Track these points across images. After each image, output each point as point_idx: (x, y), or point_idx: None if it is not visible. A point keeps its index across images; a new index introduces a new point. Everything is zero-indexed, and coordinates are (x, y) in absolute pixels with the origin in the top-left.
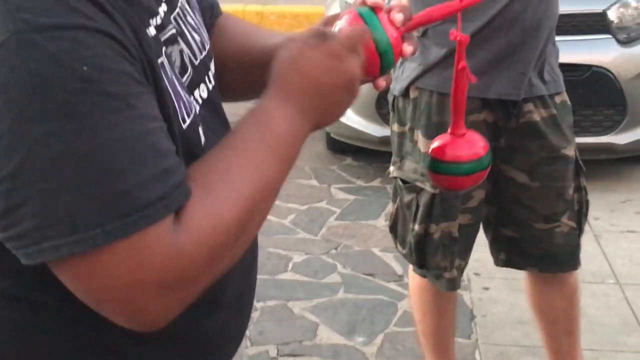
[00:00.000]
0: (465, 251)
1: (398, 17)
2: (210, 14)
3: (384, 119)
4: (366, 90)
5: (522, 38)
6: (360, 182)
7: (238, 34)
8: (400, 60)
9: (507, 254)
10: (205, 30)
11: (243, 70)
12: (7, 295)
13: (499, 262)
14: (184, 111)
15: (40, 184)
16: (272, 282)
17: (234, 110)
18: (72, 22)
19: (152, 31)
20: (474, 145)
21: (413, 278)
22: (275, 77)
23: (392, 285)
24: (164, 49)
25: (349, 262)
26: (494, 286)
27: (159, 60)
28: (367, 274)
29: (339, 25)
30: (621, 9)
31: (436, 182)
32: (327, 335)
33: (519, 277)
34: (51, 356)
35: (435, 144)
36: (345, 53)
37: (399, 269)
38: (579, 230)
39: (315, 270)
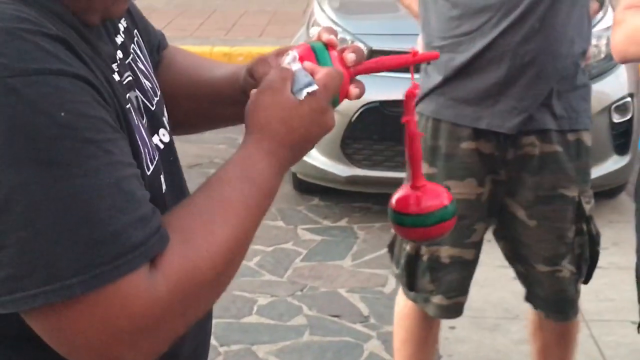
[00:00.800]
0: (464, 285)
1: (350, 57)
2: (157, 47)
3: (349, 158)
4: (332, 131)
5: (514, 73)
6: (327, 222)
7: (185, 66)
8: None
9: (525, 288)
10: (154, 76)
11: (190, 102)
12: None
13: (525, 296)
14: (148, 158)
15: (17, 232)
16: (237, 325)
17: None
18: (50, 67)
19: (116, 77)
20: (437, 196)
21: (398, 305)
22: (258, 125)
23: (359, 327)
24: (127, 94)
25: (315, 303)
26: (460, 325)
27: (127, 106)
28: (334, 316)
29: (290, 57)
30: None
31: (402, 234)
32: None
33: (487, 316)
34: None
35: (396, 196)
36: (327, 106)
37: (365, 310)
38: (579, 275)
39: (280, 313)
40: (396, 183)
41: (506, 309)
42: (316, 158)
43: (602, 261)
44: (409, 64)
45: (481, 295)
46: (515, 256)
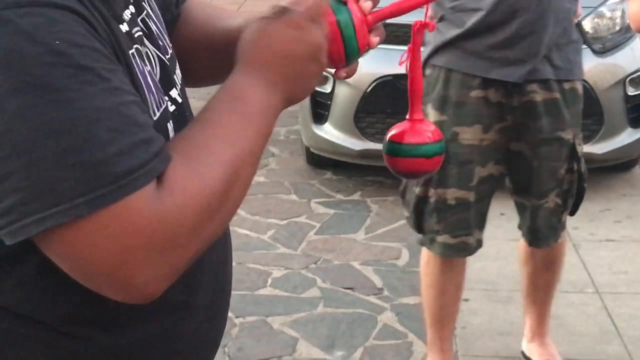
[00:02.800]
0: (469, 224)
1: (367, 5)
2: (177, 1)
3: (362, 132)
4: (344, 105)
5: (522, 29)
6: (340, 196)
7: (201, 19)
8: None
9: (519, 219)
10: (167, 36)
11: (208, 54)
12: None
13: (518, 225)
14: (154, 104)
15: (19, 158)
16: (251, 297)
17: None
18: None
19: (124, 27)
20: (432, 130)
21: (422, 254)
22: (241, 53)
23: (372, 299)
24: (135, 45)
25: (328, 276)
26: (473, 297)
27: (130, 52)
28: (347, 288)
29: None
30: (596, 19)
31: (394, 166)
32: (306, 350)
33: (499, 289)
34: None
35: (394, 130)
36: (306, 23)
37: (378, 282)
38: (564, 207)
39: (294, 285)
40: None
41: (519, 281)
42: (329, 132)
43: (615, 234)
44: (424, 3)
45: (494, 268)
46: (515, 187)
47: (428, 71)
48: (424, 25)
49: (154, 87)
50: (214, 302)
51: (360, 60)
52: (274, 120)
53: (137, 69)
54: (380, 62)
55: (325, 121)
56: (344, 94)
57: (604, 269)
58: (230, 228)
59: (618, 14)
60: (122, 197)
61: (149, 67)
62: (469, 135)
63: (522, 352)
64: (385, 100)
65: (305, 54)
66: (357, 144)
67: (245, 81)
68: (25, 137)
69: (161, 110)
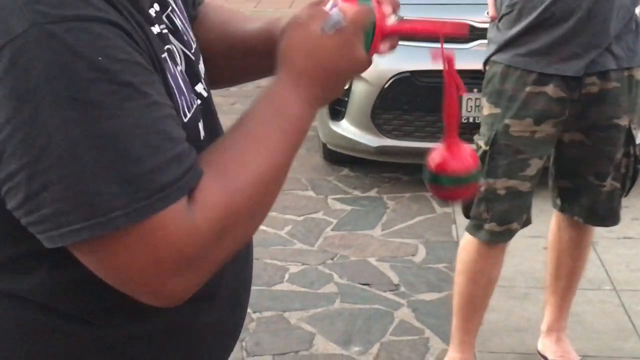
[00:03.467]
0: (518, 214)
1: (387, 9)
2: (194, 3)
3: (379, 129)
4: (362, 102)
5: (581, 25)
6: (356, 193)
7: (218, 21)
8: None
9: (562, 201)
10: (190, 31)
11: (224, 58)
12: (14, 296)
13: (555, 206)
14: (185, 105)
15: (60, 169)
16: (268, 293)
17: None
18: (87, 13)
19: (156, 29)
20: (471, 156)
21: (462, 240)
22: (289, 63)
23: (389, 295)
24: (166, 46)
25: (345, 272)
26: None
27: (162, 55)
28: (364, 284)
29: (330, 2)
30: None
31: (438, 194)
32: (323, 346)
33: (516, 285)
34: (53, 355)
35: (436, 158)
36: (356, 41)
37: (395, 279)
38: (622, 190)
39: (311, 281)
40: (426, 153)
41: (536, 278)
42: (346, 128)
43: (633, 231)
44: (442, 32)
45: (511, 264)
46: (564, 171)
47: (488, 67)
48: (451, 58)
49: (185, 87)
50: (236, 294)
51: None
52: (306, 131)
53: (169, 73)
54: (398, 59)
55: (343, 118)
56: (361, 91)
57: (621, 267)
58: None
59: None
60: (157, 212)
61: (180, 67)
62: (519, 127)
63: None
64: (403, 97)
65: (350, 70)
66: (374, 141)
67: (289, 94)
68: (65, 150)
69: (192, 110)
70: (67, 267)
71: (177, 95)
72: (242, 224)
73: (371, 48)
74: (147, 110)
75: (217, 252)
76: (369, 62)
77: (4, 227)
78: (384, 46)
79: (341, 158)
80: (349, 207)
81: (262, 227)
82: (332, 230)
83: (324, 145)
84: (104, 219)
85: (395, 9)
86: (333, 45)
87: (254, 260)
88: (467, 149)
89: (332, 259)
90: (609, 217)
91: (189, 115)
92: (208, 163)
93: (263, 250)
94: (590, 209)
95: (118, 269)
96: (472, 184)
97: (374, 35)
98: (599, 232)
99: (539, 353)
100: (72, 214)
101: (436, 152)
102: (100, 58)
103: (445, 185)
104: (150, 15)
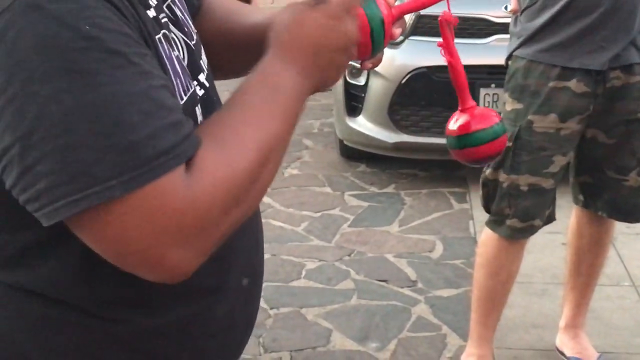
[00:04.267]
0: (540, 211)
1: None
2: None
3: (396, 125)
4: (379, 97)
5: (604, 18)
6: (373, 189)
7: (223, 13)
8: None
9: (584, 197)
10: (191, 22)
11: (227, 49)
12: (24, 290)
13: (578, 202)
14: (181, 88)
15: (53, 141)
16: (286, 289)
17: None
18: None
19: (151, 13)
20: (490, 113)
21: (483, 234)
22: (275, 37)
23: (406, 291)
24: (162, 30)
25: (362, 268)
26: None
27: (157, 36)
28: (381, 280)
29: None
30: None
31: (468, 156)
32: (340, 342)
33: (534, 281)
34: (65, 349)
35: (456, 123)
36: (342, 14)
37: (412, 275)
38: None
39: (328, 277)
40: (443, 149)
41: (554, 274)
42: (363, 124)
43: None
44: None
45: (529, 260)
46: (585, 167)
47: (510, 62)
48: (448, 19)
49: (181, 71)
50: (247, 285)
51: (395, 52)
52: (303, 106)
53: (164, 54)
54: (414, 54)
55: (359, 114)
56: (378, 87)
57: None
58: (265, 220)
59: None
60: (154, 179)
61: (176, 52)
62: (543, 123)
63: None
64: (420, 93)
65: (339, 45)
66: (391, 137)
67: (278, 66)
68: (58, 121)
69: (189, 94)
70: (76, 261)
71: (173, 77)
72: (242, 191)
73: (385, 36)
74: (139, 78)
75: (218, 222)
76: (358, 42)
77: (7, 217)
78: (397, 31)
79: (358, 154)
80: (365, 204)
81: (279, 224)
82: (349, 226)
83: (341, 141)
84: (101, 188)
85: None
86: (317, 17)
87: (271, 256)
88: (483, 109)
89: (349, 255)
90: (633, 213)
91: (185, 98)
92: (204, 134)
93: (280, 247)
94: (613, 203)
95: (116, 241)
96: (497, 140)
97: (384, 25)
98: (618, 228)
99: (557, 349)
100: (67, 185)
101: (455, 118)
102: (87, 27)
103: (471, 147)
104: (146, 0)
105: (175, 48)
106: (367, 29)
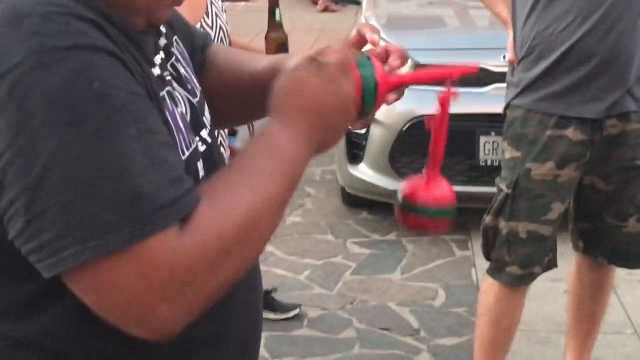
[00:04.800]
0: (540, 258)
1: (395, 63)
2: (202, 47)
3: (397, 172)
4: (380, 145)
5: (600, 68)
6: (375, 236)
7: (227, 62)
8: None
9: (584, 243)
10: (195, 79)
11: (234, 96)
12: (17, 340)
13: (577, 249)
14: (183, 144)
15: (58, 193)
16: (287, 338)
17: None
18: (82, 43)
19: (156, 71)
20: (446, 192)
21: (484, 282)
22: (276, 102)
23: (409, 340)
24: (166, 87)
25: (364, 316)
26: None
27: (161, 94)
28: (383, 329)
29: None
30: None
31: (402, 219)
32: None
33: (537, 329)
34: None
35: (409, 184)
36: (339, 76)
37: (415, 323)
38: None
39: (330, 326)
40: (444, 197)
41: (557, 322)
42: (364, 172)
43: None
44: (446, 76)
45: (532, 308)
46: (584, 213)
47: (508, 111)
48: (447, 97)
49: (184, 127)
50: (245, 337)
51: None
52: (304, 168)
53: (167, 110)
54: (415, 103)
55: (361, 161)
56: (378, 134)
57: None
58: (267, 268)
59: None
60: (155, 233)
61: (180, 108)
62: (541, 171)
63: None
64: (421, 140)
65: (338, 107)
66: (392, 184)
67: (280, 131)
68: (63, 174)
69: (191, 149)
70: (70, 312)
71: (175, 132)
72: (234, 251)
73: (377, 99)
74: (143, 135)
75: (207, 280)
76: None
77: (5, 270)
78: (391, 97)
79: (360, 201)
80: (368, 251)
81: (281, 272)
82: (351, 274)
83: (343, 188)
84: (104, 241)
85: (404, 60)
86: (316, 82)
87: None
88: (444, 185)
89: (351, 303)
90: (633, 259)
91: (187, 154)
92: (203, 192)
93: (282, 295)
94: (612, 249)
95: (108, 294)
96: (440, 220)
97: (376, 89)
98: (619, 275)
99: None
100: (71, 236)
101: (413, 181)
102: (96, 84)
103: (411, 214)
104: (151, 58)
105: (178, 104)
106: (359, 89)
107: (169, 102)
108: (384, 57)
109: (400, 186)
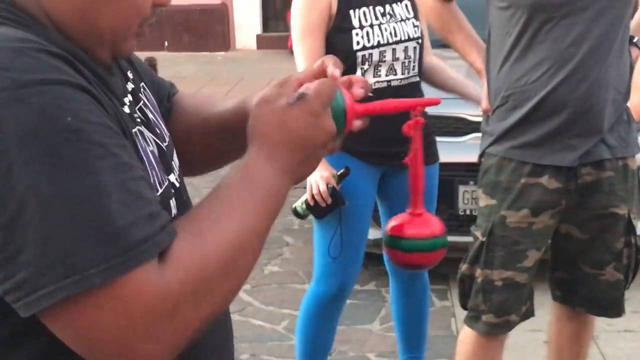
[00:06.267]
0: (516, 306)
1: (358, 92)
2: (168, 95)
3: (376, 222)
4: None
5: (573, 118)
6: (355, 286)
7: (192, 107)
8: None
9: (562, 292)
10: (164, 125)
11: (202, 140)
12: None
13: (556, 298)
14: (157, 181)
15: (34, 231)
16: None
17: None
18: (55, 77)
19: (126, 109)
20: (433, 224)
21: (461, 330)
22: (257, 134)
23: None
24: (137, 127)
25: None
26: None
27: (133, 130)
28: None
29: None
30: None
31: (394, 258)
32: None
33: None
34: None
35: (394, 222)
36: (321, 110)
37: None
38: (625, 282)
39: None
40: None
41: None
42: None
43: (633, 324)
44: (411, 107)
45: (512, 359)
46: (560, 262)
47: (483, 159)
48: (415, 124)
49: (156, 165)
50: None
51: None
52: (284, 199)
53: (140, 146)
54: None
55: None
56: None
57: None
58: (244, 319)
59: None
60: (132, 269)
61: (150, 148)
62: (515, 218)
63: None
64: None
65: (319, 141)
66: (371, 233)
67: (260, 163)
68: (38, 210)
69: (164, 186)
70: (42, 353)
71: (149, 169)
72: (214, 284)
73: (345, 128)
74: (118, 169)
75: (190, 314)
76: (335, 134)
77: None
78: (356, 123)
79: None
80: (347, 301)
81: (259, 322)
82: None
83: None
84: (80, 277)
85: (367, 90)
86: (299, 115)
87: (251, 356)
88: (430, 218)
89: (330, 354)
90: (611, 308)
91: (160, 190)
92: (180, 226)
93: (260, 346)
94: (590, 298)
95: (88, 332)
96: (430, 252)
97: (346, 116)
98: (599, 326)
99: None
100: (47, 275)
101: (398, 218)
102: (69, 119)
103: (401, 250)
104: (120, 97)
105: (149, 144)
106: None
107: (141, 140)
108: (348, 86)
109: (386, 226)
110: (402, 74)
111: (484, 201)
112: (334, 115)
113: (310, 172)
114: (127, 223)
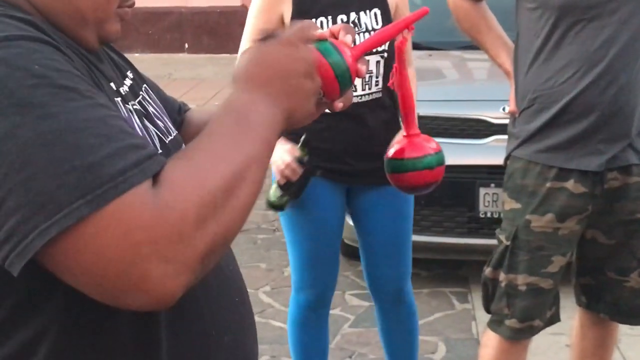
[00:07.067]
0: (540, 311)
1: (348, 38)
2: (179, 110)
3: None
4: None
5: (601, 122)
6: None
7: (200, 122)
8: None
9: (587, 298)
10: (168, 119)
11: None
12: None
13: (580, 303)
14: (157, 142)
15: (15, 177)
16: None
17: None
18: (20, 34)
19: (123, 89)
20: (431, 142)
21: (484, 334)
22: (238, 75)
23: None
24: (133, 104)
25: None
26: None
27: (127, 106)
28: None
29: None
30: None
31: (399, 182)
32: None
33: None
34: None
35: (394, 147)
36: (298, 42)
37: None
38: None
39: None
40: (444, 249)
41: None
42: None
43: None
44: (402, 29)
45: None
46: (586, 268)
47: (509, 162)
48: (404, 42)
49: (158, 142)
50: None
51: None
52: (277, 134)
53: (135, 123)
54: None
55: None
56: None
57: None
58: (265, 320)
59: None
60: (120, 195)
61: (152, 128)
62: (540, 223)
63: None
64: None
65: (299, 69)
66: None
67: (245, 97)
68: (16, 156)
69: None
70: (50, 334)
71: (146, 134)
72: (216, 204)
73: (352, 77)
74: (93, 108)
75: (195, 234)
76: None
77: None
78: (362, 68)
79: (358, 253)
80: (366, 303)
81: (279, 324)
82: (349, 327)
83: (342, 240)
84: (67, 211)
85: (352, 32)
86: (275, 48)
87: (271, 358)
88: (426, 138)
89: (350, 357)
90: (635, 315)
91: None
92: (174, 157)
93: (280, 348)
94: (614, 305)
95: (94, 266)
96: (429, 170)
97: (349, 69)
98: (622, 330)
99: None
100: (36, 216)
101: (395, 143)
102: (37, 66)
103: (403, 172)
104: (111, 81)
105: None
106: (332, 75)
107: (136, 118)
108: (334, 37)
109: (386, 152)
110: (363, 89)
111: (509, 205)
112: (338, 74)
113: (304, 107)
114: (109, 153)
